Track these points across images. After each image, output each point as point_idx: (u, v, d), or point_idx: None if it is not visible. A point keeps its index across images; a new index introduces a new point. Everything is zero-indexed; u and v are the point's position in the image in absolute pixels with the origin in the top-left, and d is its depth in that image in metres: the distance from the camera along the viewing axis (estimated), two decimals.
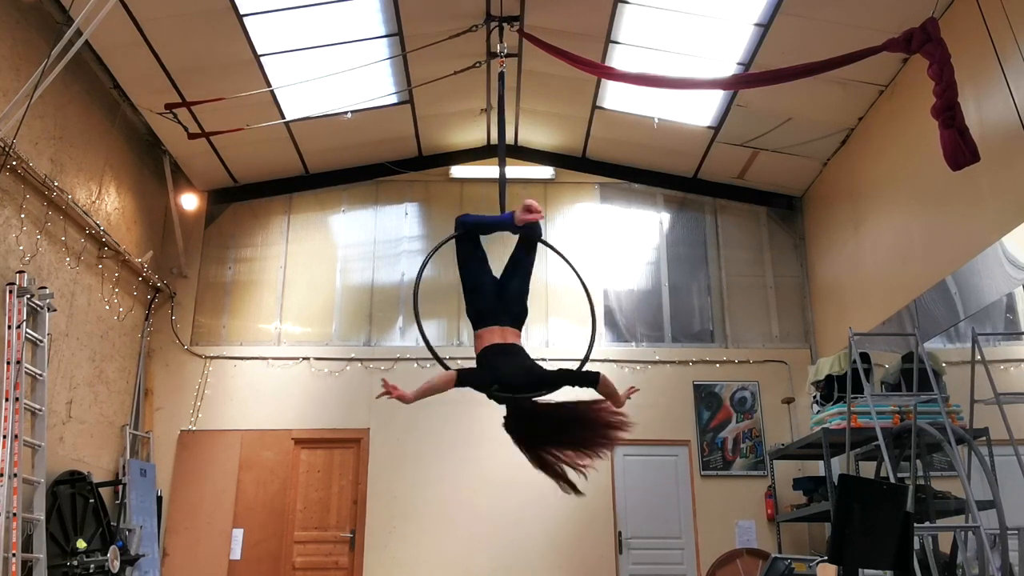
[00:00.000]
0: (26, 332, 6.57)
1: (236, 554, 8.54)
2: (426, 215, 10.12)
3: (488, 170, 9.78)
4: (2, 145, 6.22)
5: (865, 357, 6.96)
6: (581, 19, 7.66)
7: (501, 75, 6.29)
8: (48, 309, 6.89)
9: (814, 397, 7.56)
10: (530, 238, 4.58)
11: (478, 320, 4.42)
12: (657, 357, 9.49)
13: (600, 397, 4.18)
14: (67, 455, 7.46)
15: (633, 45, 7.88)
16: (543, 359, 9.33)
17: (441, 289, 9.38)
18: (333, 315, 9.62)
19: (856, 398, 6.52)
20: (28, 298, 6.64)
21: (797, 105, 8.22)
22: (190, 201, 9.43)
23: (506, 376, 4.14)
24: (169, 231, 9.48)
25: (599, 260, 9.86)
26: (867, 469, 7.38)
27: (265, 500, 8.77)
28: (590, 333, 4.85)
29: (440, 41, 7.67)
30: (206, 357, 9.30)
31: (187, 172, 9.40)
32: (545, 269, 9.66)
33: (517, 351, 4.32)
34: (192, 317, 9.47)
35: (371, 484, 8.90)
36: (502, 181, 5.71)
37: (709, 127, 8.95)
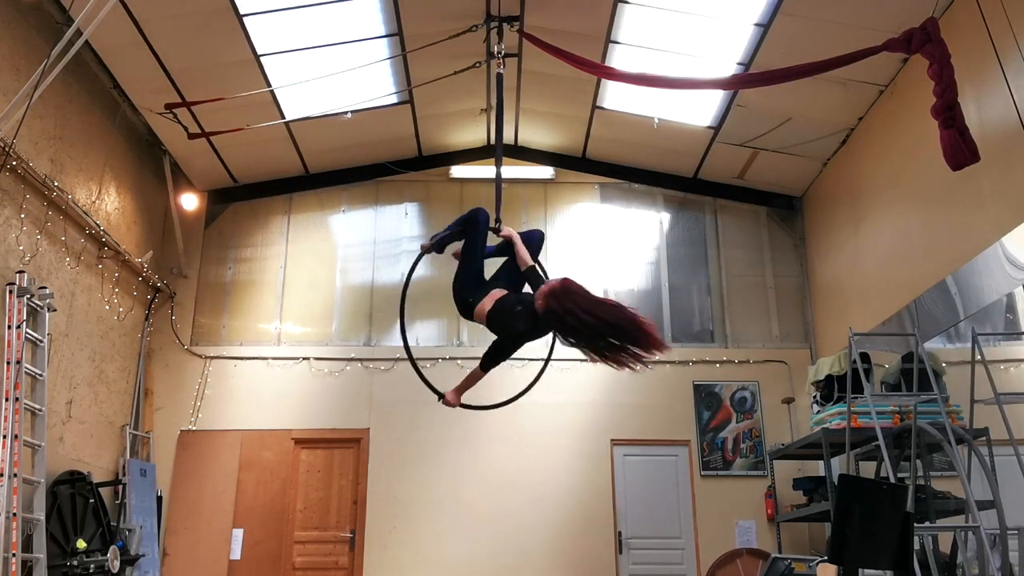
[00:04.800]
0: (26, 332, 6.57)
1: (236, 554, 8.54)
2: (426, 215, 10.12)
3: (488, 170, 9.77)
4: (2, 145, 6.22)
5: (865, 357, 6.96)
6: (581, 19, 7.66)
7: (499, 77, 6.28)
8: (48, 309, 6.89)
9: (814, 397, 7.57)
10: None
11: (476, 295, 4.42)
12: (657, 357, 9.45)
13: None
14: (67, 455, 7.46)
15: (633, 45, 7.88)
16: (542, 359, 9.36)
17: (441, 289, 9.35)
18: (333, 315, 9.62)
19: (856, 398, 6.52)
20: (28, 298, 6.64)
21: (797, 105, 8.22)
22: (190, 201, 9.43)
23: (518, 328, 4.20)
24: (169, 231, 9.48)
25: (599, 260, 9.86)
26: (867, 469, 7.37)
27: (265, 500, 8.77)
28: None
29: (440, 41, 7.67)
30: (206, 357, 9.30)
31: (187, 172, 9.40)
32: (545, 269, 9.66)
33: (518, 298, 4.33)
34: (192, 317, 9.47)
35: (371, 484, 8.90)
36: (498, 183, 5.73)
37: (709, 127, 8.95)
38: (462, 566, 8.62)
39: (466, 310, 4.45)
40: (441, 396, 4.60)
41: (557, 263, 9.82)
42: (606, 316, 3.86)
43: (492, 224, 4.88)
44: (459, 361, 9.02)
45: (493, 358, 4.37)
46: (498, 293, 4.41)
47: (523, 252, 4.58)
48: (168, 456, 8.89)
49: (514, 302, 4.29)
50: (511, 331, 4.27)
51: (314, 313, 9.64)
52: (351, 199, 10.12)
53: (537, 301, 4.04)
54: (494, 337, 4.44)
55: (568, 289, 3.94)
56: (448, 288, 4.64)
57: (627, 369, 3.96)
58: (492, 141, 9.86)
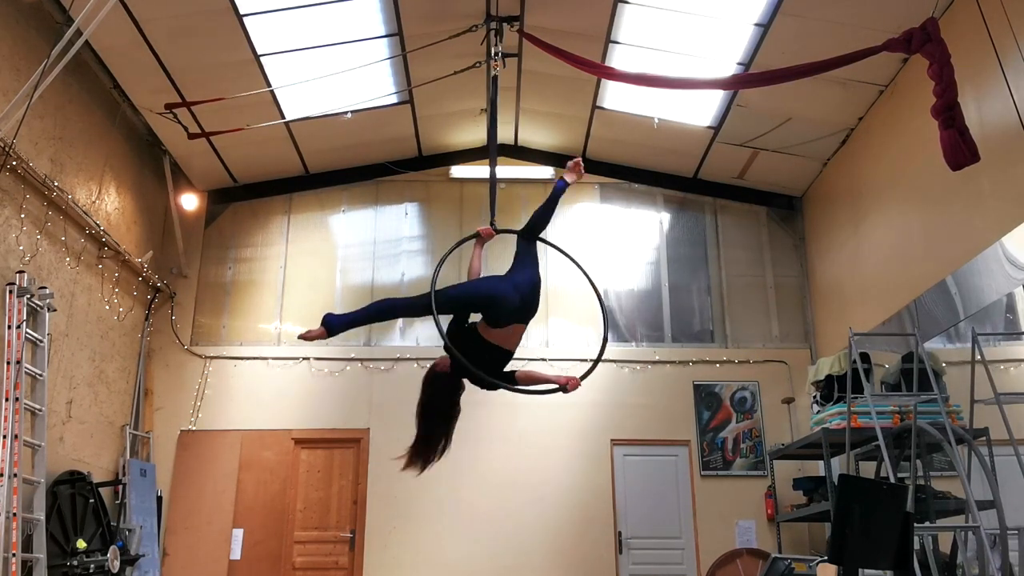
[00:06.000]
0: (26, 332, 6.57)
1: (236, 554, 8.54)
2: (426, 215, 10.12)
3: (488, 170, 9.79)
4: (2, 145, 6.22)
5: (865, 357, 6.96)
6: (581, 19, 7.66)
7: (494, 79, 6.28)
8: (48, 309, 6.89)
9: (814, 397, 7.57)
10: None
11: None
12: (657, 357, 9.49)
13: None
14: (67, 455, 7.46)
15: (633, 45, 7.89)
16: (543, 359, 9.40)
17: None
18: None
19: (856, 398, 6.52)
20: (28, 298, 6.64)
21: (797, 105, 8.22)
22: (190, 201, 9.43)
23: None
24: (169, 231, 9.48)
25: (599, 260, 9.85)
26: (867, 469, 7.38)
27: (265, 500, 8.77)
28: (602, 333, 4.92)
29: (440, 41, 7.67)
30: (206, 357, 9.30)
31: (187, 172, 9.40)
32: (545, 269, 9.64)
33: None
34: (192, 317, 9.47)
35: (371, 484, 8.90)
36: (492, 182, 5.76)
37: (709, 127, 8.95)
38: (462, 566, 8.62)
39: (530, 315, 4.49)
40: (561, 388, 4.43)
41: (558, 263, 9.81)
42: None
43: (489, 228, 4.94)
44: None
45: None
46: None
47: (475, 264, 4.78)
48: (168, 456, 8.89)
49: None
50: None
51: (314, 313, 9.56)
52: (351, 199, 10.12)
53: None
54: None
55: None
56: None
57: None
58: None
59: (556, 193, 4.71)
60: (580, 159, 4.84)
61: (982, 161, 4.55)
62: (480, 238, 4.89)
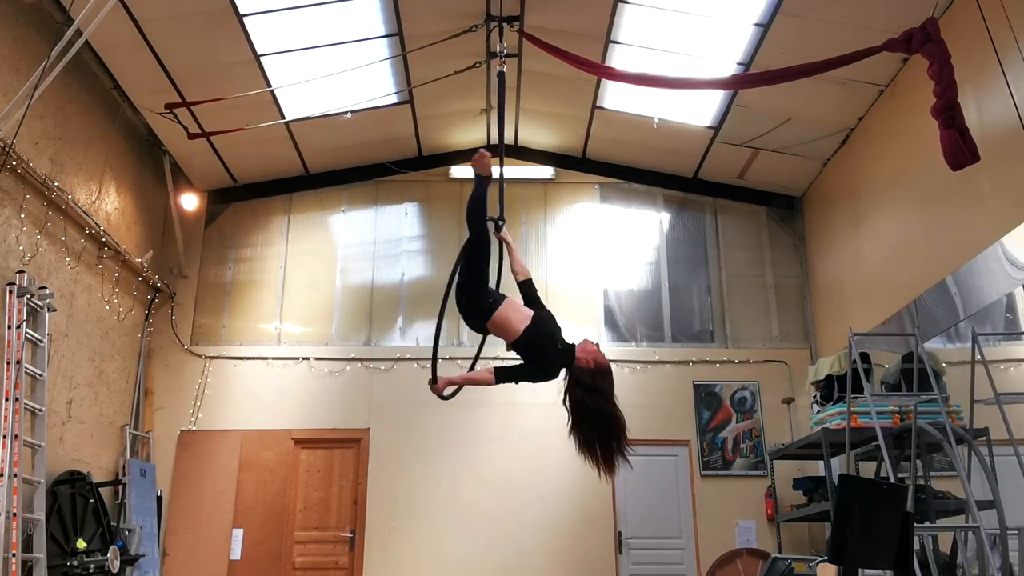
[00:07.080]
0: (26, 332, 6.57)
1: (236, 554, 8.54)
2: (426, 215, 10.12)
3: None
4: (2, 145, 6.22)
5: (865, 357, 6.96)
6: (581, 19, 7.66)
7: (501, 75, 6.29)
8: (48, 309, 6.89)
9: (814, 397, 7.57)
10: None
11: (493, 300, 4.24)
12: (657, 357, 9.49)
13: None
14: (67, 455, 7.46)
15: (633, 45, 7.89)
16: None
17: (440, 289, 9.39)
18: (333, 315, 9.62)
19: (856, 398, 6.52)
20: (28, 298, 6.64)
21: (797, 105, 8.22)
22: (190, 201, 9.43)
23: (550, 354, 4.16)
24: (169, 231, 9.48)
25: (599, 260, 9.86)
26: (867, 469, 7.38)
27: (265, 500, 8.77)
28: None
29: (440, 41, 7.67)
30: (206, 357, 9.30)
31: (187, 172, 9.40)
32: (545, 269, 9.68)
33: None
34: (192, 317, 9.47)
35: (371, 484, 8.90)
36: (501, 183, 5.72)
37: (709, 127, 8.95)
38: (462, 566, 8.62)
39: (479, 315, 4.20)
40: (434, 381, 4.31)
41: (558, 263, 9.84)
42: (613, 415, 4.10)
43: (495, 222, 4.77)
44: (459, 361, 9.02)
45: (515, 378, 4.22)
46: (519, 303, 4.26)
47: (521, 260, 4.56)
48: (168, 456, 8.89)
49: (550, 325, 4.22)
50: (545, 353, 4.14)
51: (314, 313, 9.63)
52: (351, 199, 10.12)
53: (579, 353, 4.06)
54: (497, 340, 4.33)
55: (607, 372, 4.10)
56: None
57: (586, 458, 4.14)
58: (492, 141, 9.86)
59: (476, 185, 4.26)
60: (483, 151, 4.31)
61: (982, 161, 4.56)
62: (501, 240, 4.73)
